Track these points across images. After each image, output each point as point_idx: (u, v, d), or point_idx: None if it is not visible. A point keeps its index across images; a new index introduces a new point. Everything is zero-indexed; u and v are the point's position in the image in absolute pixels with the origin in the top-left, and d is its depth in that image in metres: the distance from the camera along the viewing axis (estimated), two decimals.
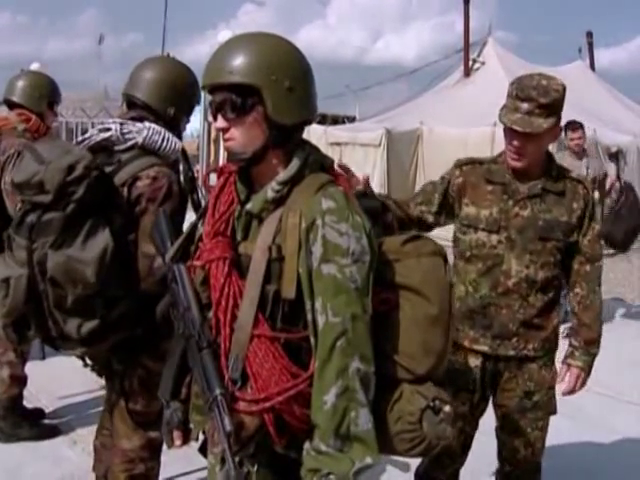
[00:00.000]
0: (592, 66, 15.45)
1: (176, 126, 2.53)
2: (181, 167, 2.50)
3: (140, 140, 2.35)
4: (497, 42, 13.95)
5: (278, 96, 1.57)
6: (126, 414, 2.56)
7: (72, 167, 2.09)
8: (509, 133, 2.43)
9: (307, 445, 1.56)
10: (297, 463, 1.58)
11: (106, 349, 2.35)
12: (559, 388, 2.60)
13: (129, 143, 2.35)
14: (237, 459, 1.58)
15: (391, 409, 1.63)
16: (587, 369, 2.57)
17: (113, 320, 2.22)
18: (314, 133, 13.71)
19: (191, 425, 1.83)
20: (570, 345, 2.59)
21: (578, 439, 4.01)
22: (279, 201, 1.62)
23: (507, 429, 2.67)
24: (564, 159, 6.28)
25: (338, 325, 1.53)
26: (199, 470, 3.43)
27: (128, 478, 2.58)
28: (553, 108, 2.38)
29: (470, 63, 13.49)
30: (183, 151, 2.50)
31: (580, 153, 6.42)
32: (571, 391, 2.60)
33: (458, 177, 2.60)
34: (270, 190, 1.62)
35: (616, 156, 7.17)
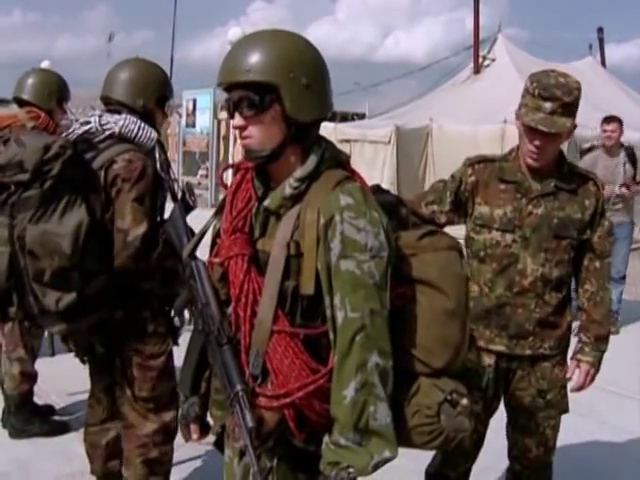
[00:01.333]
0: (603, 62, 15.35)
1: (149, 117, 2.64)
2: (157, 155, 2.59)
3: (117, 129, 2.50)
4: (507, 39, 13.88)
5: (296, 93, 1.57)
6: (134, 403, 2.62)
7: (48, 147, 2.26)
8: (530, 133, 2.38)
9: (326, 439, 1.57)
10: (316, 457, 1.59)
11: (87, 329, 2.42)
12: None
13: (107, 133, 2.50)
14: (257, 453, 1.59)
15: (409, 403, 1.65)
16: (596, 365, 2.57)
17: (91, 295, 2.31)
18: (324, 130, 13.57)
19: (210, 420, 1.85)
20: (580, 341, 2.58)
21: (588, 437, 3.99)
22: (297, 197, 1.63)
23: (519, 428, 2.66)
24: (599, 158, 6.20)
25: (357, 320, 1.54)
26: (211, 462, 3.45)
27: (143, 462, 2.64)
28: (574, 107, 2.36)
29: (480, 60, 13.43)
30: (159, 141, 2.61)
31: (613, 148, 6.18)
32: (580, 387, 2.59)
33: (470, 175, 2.57)
34: (288, 187, 1.62)
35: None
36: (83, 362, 2.68)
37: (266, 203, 1.66)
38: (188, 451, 3.43)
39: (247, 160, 1.71)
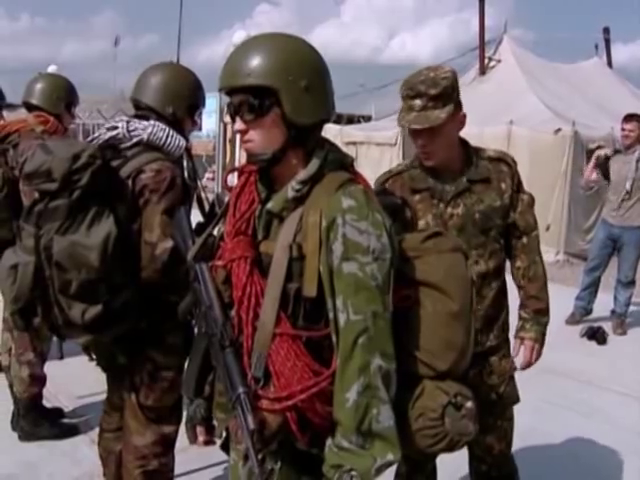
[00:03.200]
0: (609, 62, 15.31)
1: (178, 125, 2.59)
2: (185, 164, 2.57)
3: (145, 136, 2.44)
4: (513, 40, 13.86)
5: (295, 96, 1.58)
6: (137, 410, 2.59)
7: (77, 156, 2.18)
8: (412, 134, 2.36)
9: (329, 441, 1.57)
10: (319, 459, 1.59)
11: (110, 340, 2.39)
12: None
13: (135, 140, 2.43)
14: (260, 456, 1.59)
15: (413, 405, 1.65)
16: (540, 339, 2.57)
17: (117, 308, 2.27)
18: (329, 132, 13.72)
19: (214, 422, 1.85)
20: (520, 318, 2.58)
21: (591, 435, 3.98)
22: (299, 200, 1.63)
23: (479, 427, 2.64)
24: (617, 158, 6.20)
25: (359, 323, 1.53)
26: (217, 465, 3.46)
27: (142, 474, 2.61)
28: (446, 96, 2.29)
29: (485, 61, 13.42)
30: (187, 149, 2.57)
31: (630, 147, 6.14)
32: (528, 364, 2.59)
33: None
34: (290, 189, 1.63)
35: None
36: (104, 370, 2.67)
37: (269, 206, 1.67)
38: (191, 456, 3.45)
39: (249, 163, 1.72)
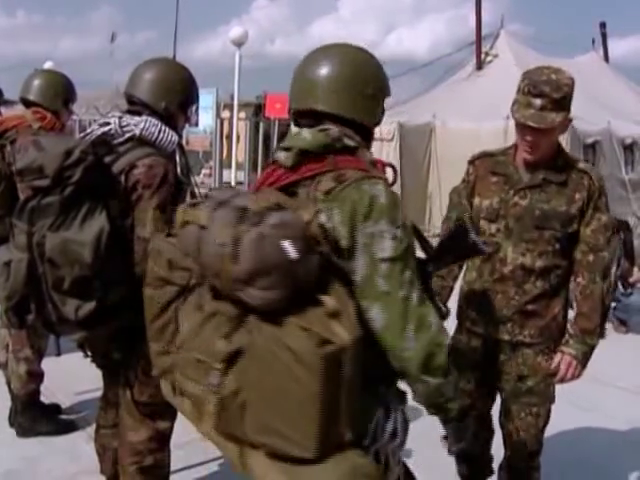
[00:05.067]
0: (606, 57, 15.33)
1: (171, 120, 2.59)
2: (178, 160, 2.56)
3: (137, 132, 2.44)
4: (510, 34, 13.86)
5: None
6: (132, 406, 2.59)
7: (69, 152, 2.18)
8: (522, 128, 2.47)
9: None
10: None
11: (105, 336, 2.39)
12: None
13: (127, 135, 2.43)
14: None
15: None
16: (581, 358, 2.54)
17: (111, 304, 2.27)
18: None
19: None
20: (567, 333, 2.60)
21: (595, 431, 4.01)
22: None
23: (504, 412, 2.74)
24: None
25: None
26: (213, 461, 3.47)
27: (138, 471, 2.61)
28: (565, 102, 2.41)
29: (482, 56, 13.42)
30: (180, 145, 2.57)
31: None
32: (561, 379, 2.58)
33: (471, 174, 2.71)
34: None
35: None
36: (99, 367, 2.68)
37: None
38: (188, 451, 3.46)
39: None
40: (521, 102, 2.44)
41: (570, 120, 2.48)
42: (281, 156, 1.68)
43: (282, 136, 15.41)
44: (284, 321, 1.42)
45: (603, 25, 15.57)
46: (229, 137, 15.63)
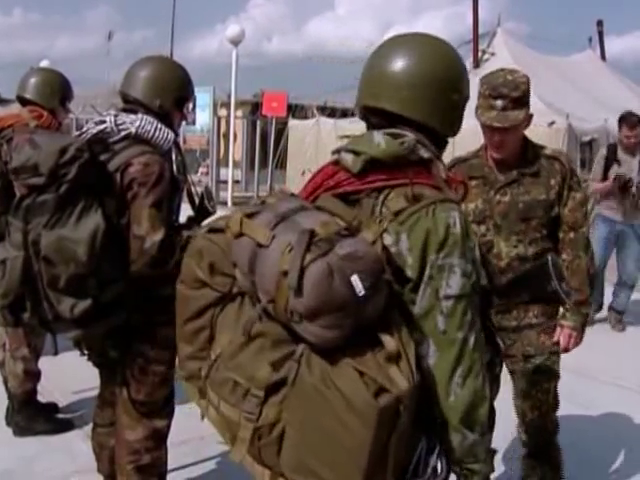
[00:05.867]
0: (602, 55, 15.35)
1: (166, 117, 2.59)
2: (174, 158, 2.55)
3: (133, 130, 2.44)
4: (507, 33, 13.88)
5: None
6: (129, 405, 2.59)
7: (64, 149, 2.18)
8: (489, 130, 2.62)
9: None
10: None
11: (101, 334, 2.39)
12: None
13: (123, 133, 2.43)
14: None
15: None
16: (579, 327, 2.77)
17: (107, 302, 2.27)
18: (324, 126, 13.71)
19: None
20: (562, 307, 2.76)
21: (592, 429, 4.01)
22: None
23: (517, 393, 2.88)
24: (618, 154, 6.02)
25: None
26: (210, 459, 3.47)
27: (135, 469, 2.61)
28: (524, 99, 2.56)
29: (479, 54, 13.42)
30: (176, 143, 2.57)
31: (634, 149, 5.96)
32: (565, 349, 2.78)
33: None
34: None
35: None
36: (96, 366, 2.68)
37: None
38: (185, 450, 3.47)
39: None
40: (483, 105, 2.59)
41: (531, 115, 2.62)
42: (348, 159, 1.52)
43: (279, 134, 15.45)
44: (338, 358, 1.31)
45: (600, 23, 15.60)
46: (226, 135, 15.63)
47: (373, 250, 1.34)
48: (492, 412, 1.56)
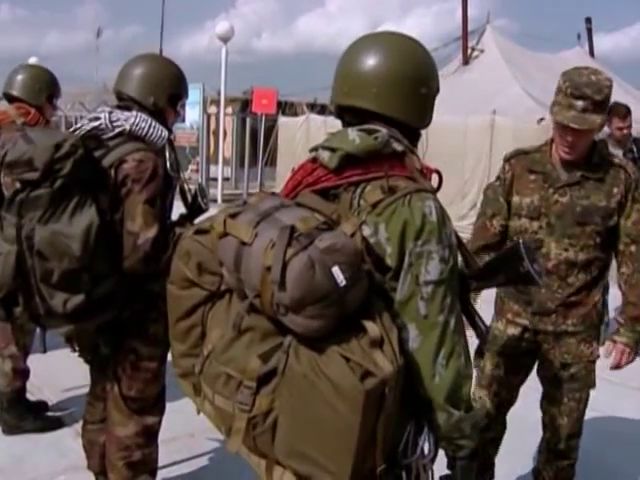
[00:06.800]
0: (591, 52, 15.41)
1: (161, 115, 2.60)
2: (167, 155, 2.56)
3: (127, 127, 2.44)
4: (496, 30, 13.91)
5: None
6: (120, 401, 2.59)
7: (59, 145, 2.18)
8: (563, 129, 2.50)
9: None
10: None
11: (93, 330, 2.39)
12: (607, 363, 2.71)
13: (117, 130, 2.43)
14: None
15: None
16: (632, 345, 2.66)
17: (99, 297, 2.27)
18: (314, 123, 13.70)
19: None
20: (617, 322, 2.70)
21: (592, 428, 4.02)
22: None
23: (547, 398, 2.86)
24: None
25: None
26: (201, 456, 3.47)
27: (126, 465, 2.61)
28: (604, 104, 2.47)
29: (469, 51, 13.46)
30: (169, 140, 2.57)
31: (625, 141, 5.87)
32: (617, 366, 2.70)
33: (507, 172, 2.75)
34: None
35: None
36: (87, 362, 2.68)
37: None
38: (176, 447, 3.47)
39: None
40: (562, 103, 2.47)
41: (605, 120, 2.53)
42: (325, 156, 1.57)
43: (269, 131, 15.43)
44: (324, 347, 1.36)
45: (589, 20, 15.67)
46: (216, 133, 15.59)
47: (352, 242, 1.39)
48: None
